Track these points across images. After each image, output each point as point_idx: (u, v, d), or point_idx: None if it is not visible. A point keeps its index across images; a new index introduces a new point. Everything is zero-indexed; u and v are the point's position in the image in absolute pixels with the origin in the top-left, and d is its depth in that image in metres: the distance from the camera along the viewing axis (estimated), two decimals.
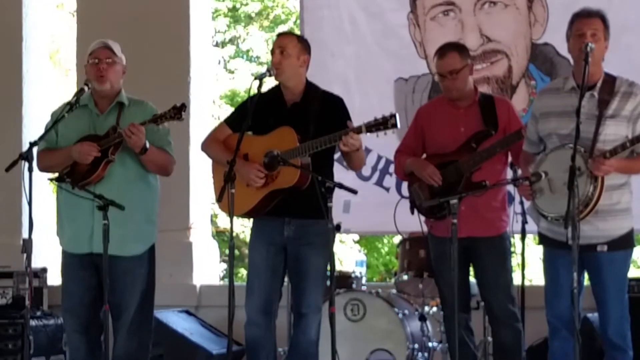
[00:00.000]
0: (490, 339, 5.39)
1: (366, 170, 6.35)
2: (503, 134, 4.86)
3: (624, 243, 4.30)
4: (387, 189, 6.51)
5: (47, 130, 4.74)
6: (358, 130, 4.47)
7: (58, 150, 4.80)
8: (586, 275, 4.38)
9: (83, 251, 4.71)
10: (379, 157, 6.49)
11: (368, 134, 4.48)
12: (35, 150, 4.56)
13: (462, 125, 4.93)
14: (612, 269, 4.27)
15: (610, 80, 4.30)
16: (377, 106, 6.00)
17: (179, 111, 4.58)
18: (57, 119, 4.70)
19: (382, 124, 4.44)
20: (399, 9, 6.54)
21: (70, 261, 4.78)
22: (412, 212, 5.10)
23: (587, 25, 4.27)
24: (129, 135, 4.58)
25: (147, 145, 4.64)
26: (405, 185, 6.39)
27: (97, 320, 4.68)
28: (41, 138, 4.68)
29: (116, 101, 4.80)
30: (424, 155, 5.08)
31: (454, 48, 5.01)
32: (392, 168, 6.46)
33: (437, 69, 4.98)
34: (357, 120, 4.62)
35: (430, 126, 5.05)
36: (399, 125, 4.43)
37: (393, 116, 4.44)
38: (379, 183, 6.53)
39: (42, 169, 4.85)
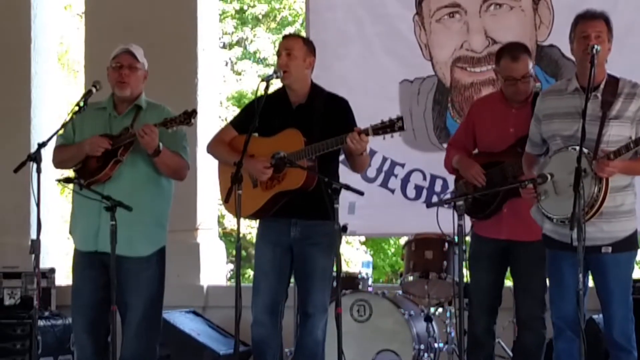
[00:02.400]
0: (497, 340, 5.42)
1: (371, 172, 6.36)
2: None
3: (629, 245, 4.29)
4: (392, 191, 6.51)
5: (55, 132, 4.78)
6: (364, 133, 4.49)
7: (71, 145, 4.85)
8: (591, 277, 4.40)
9: (89, 249, 4.74)
10: (384, 159, 6.49)
11: (374, 136, 4.50)
12: (43, 151, 4.58)
13: (512, 126, 4.90)
14: (616, 271, 4.27)
15: (613, 82, 4.30)
16: (381, 108, 6.00)
17: (189, 116, 4.60)
18: (64, 122, 4.75)
19: (388, 127, 4.46)
20: (404, 11, 6.53)
21: (80, 260, 4.81)
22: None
23: (591, 27, 4.26)
24: (142, 135, 4.61)
25: (161, 147, 4.65)
26: (410, 187, 6.44)
27: (105, 320, 4.69)
28: (50, 139, 4.71)
29: (134, 104, 4.83)
30: (476, 151, 5.08)
31: (524, 50, 4.97)
32: (397, 170, 6.50)
33: (507, 72, 4.88)
34: (361, 122, 4.64)
35: (480, 123, 5.05)
36: (405, 128, 4.45)
37: (400, 119, 4.45)
38: (384, 185, 6.53)
39: (56, 164, 4.90)
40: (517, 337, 5.04)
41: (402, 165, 6.49)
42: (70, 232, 4.92)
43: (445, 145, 6.27)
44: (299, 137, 4.61)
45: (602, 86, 4.28)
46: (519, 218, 4.81)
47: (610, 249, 4.25)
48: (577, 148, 4.09)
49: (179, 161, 4.80)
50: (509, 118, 4.93)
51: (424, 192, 6.42)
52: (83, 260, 4.79)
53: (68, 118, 4.75)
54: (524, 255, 4.87)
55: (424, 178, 6.37)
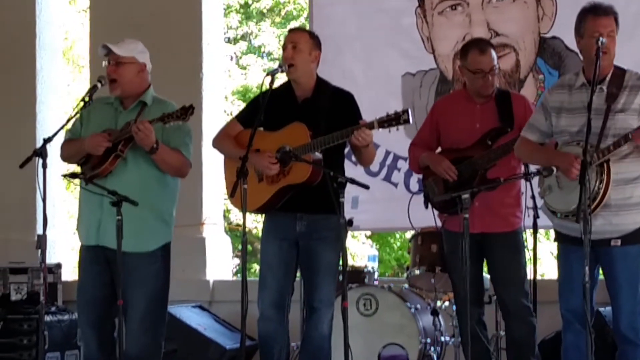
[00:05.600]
0: (502, 333, 5.42)
1: (374, 166, 6.33)
2: (519, 131, 4.84)
3: (638, 237, 4.27)
4: (396, 185, 6.52)
5: (61, 127, 4.78)
6: (370, 126, 4.49)
7: (76, 140, 4.84)
8: (601, 270, 4.39)
9: (92, 243, 4.74)
10: (387, 153, 6.49)
11: (380, 129, 4.50)
12: (48, 147, 4.57)
13: (478, 122, 4.93)
14: (625, 264, 4.27)
15: (619, 74, 4.28)
16: (384, 101, 6.00)
17: (185, 112, 4.56)
18: (70, 116, 4.74)
19: (394, 120, 4.45)
20: (406, 3, 6.53)
21: (85, 255, 4.81)
22: (426, 207, 5.11)
23: (602, 26, 4.22)
24: (135, 132, 4.58)
25: (157, 144, 4.63)
26: (413, 181, 6.43)
27: (110, 315, 4.71)
28: (55, 134, 4.71)
29: (139, 100, 4.80)
30: (439, 150, 5.09)
31: (490, 44, 5.03)
32: (400, 164, 6.49)
33: (475, 65, 4.90)
34: (364, 115, 4.64)
35: (445, 120, 5.06)
36: (411, 120, 4.44)
37: (405, 112, 4.44)
38: (387, 179, 6.53)
39: (63, 158, 4.93)
40: (506, 330, 5.01)
41: (405, 159, 6.49)
42: (77, 228, 4.93)
43: None
44: (304, 131, 4.61)
45: (607, 78, 4.26)
46: (491, 211, 4.84)
47: (619, 242, 4.24)
48: (582, 142, 4.07)
49: (179, 158, 4.74)
50: (474, 114, 4.95)
51: None
52: (88, 256, 4.79)
53: (74, 113, 4.74)
54: (499, 246, 4.88)
55: None
